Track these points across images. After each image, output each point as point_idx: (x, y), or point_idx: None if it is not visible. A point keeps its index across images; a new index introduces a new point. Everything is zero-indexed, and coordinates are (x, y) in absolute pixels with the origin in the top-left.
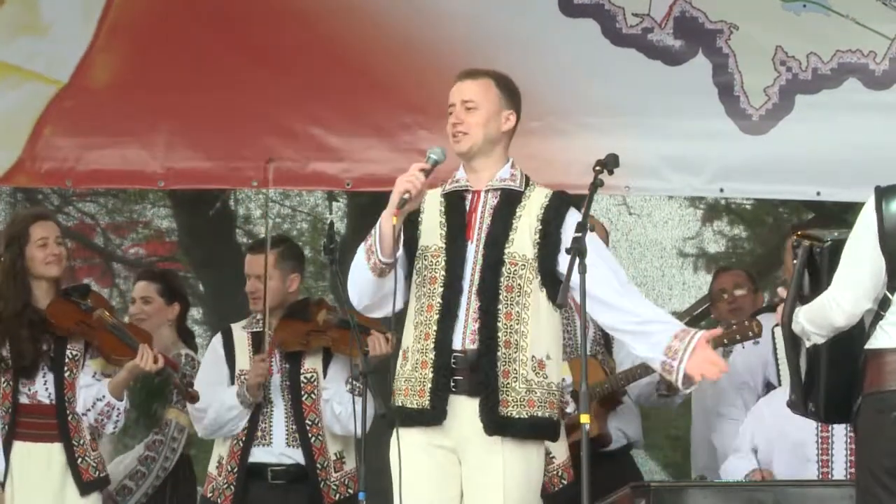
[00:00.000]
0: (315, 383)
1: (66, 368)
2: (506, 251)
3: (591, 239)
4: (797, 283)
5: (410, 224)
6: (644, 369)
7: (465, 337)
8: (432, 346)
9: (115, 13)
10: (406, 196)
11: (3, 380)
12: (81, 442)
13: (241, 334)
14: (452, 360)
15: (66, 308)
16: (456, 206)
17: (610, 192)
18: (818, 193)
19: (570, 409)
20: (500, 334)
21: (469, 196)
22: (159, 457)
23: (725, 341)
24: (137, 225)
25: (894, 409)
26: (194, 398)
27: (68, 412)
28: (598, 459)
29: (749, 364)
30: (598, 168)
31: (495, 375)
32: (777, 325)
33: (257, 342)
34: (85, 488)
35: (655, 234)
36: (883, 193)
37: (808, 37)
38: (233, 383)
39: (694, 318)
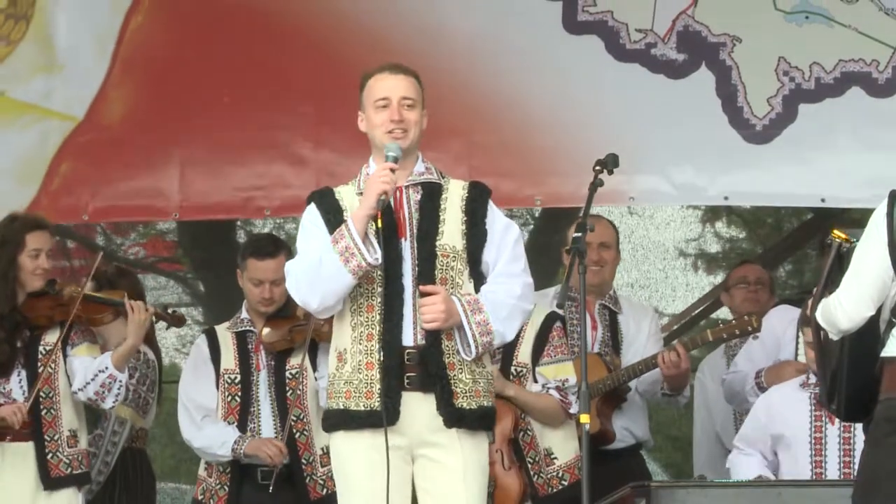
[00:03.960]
0: (299, 379)
1: (39, 364)
2: (437, 243)
3: (509, 226)
4: (827, 278)
5: (335, 222)
6: (645, 365)
7: (415, 333)
8: (378, 346)
9: (127, 48)
10: (384, 197)
11: None
12: (55, 437)
13: (225, 335)
14: (406, 358)
15: (37, 301)
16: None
17: (615, 203)
18: (822, 200)
19: (573, 409)
20: None
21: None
22: (100, 451)
23: (724, 336)
24: (138, 225)
25: None
26: (182, 320)
27: (42, 408)
28: (602, 458)
29: (769, 359)
30: (597, 168)
31: (444, 367)
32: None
33: (242, 342)
34: (50, 484)
35: (658, 236)
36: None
37: (811, 47)
38: (217, 383)
39: (693, 318)
